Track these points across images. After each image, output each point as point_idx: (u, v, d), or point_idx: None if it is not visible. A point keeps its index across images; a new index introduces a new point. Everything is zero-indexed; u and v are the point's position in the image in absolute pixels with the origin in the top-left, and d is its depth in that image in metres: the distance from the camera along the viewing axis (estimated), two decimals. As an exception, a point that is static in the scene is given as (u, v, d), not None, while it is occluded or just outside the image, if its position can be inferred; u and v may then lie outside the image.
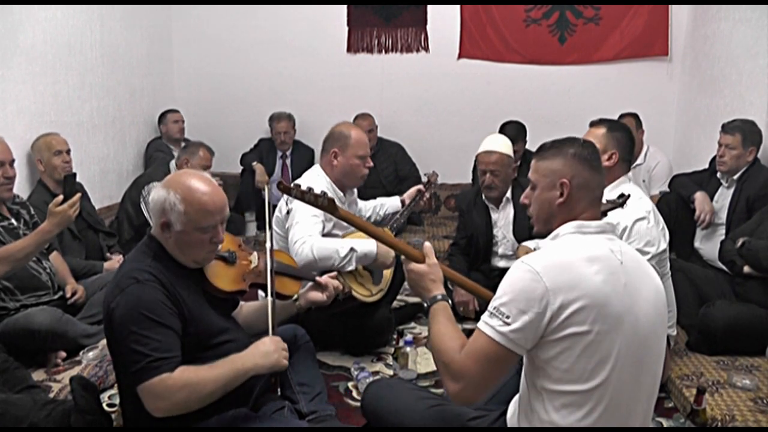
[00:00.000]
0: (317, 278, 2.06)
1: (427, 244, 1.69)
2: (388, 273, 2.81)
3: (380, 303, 2.72)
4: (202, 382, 1.51)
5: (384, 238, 1.85)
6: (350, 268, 2.52)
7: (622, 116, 3.98)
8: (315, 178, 2.71)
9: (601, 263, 1.33)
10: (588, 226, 1.41)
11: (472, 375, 1.32)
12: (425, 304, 1.58)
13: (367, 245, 2.53)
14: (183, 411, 1.51)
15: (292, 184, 1.86)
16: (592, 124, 2.42)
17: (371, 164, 2.80)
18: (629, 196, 2.09)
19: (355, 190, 2.97)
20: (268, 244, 1.91)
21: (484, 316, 1.34)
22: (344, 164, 2.72)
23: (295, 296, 2.03)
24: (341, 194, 2.76)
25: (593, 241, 1.39)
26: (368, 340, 2.77)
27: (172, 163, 3.72)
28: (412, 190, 3.11)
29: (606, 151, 2.27)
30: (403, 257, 1.68)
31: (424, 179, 3.23)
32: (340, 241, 2.53)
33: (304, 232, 2.48)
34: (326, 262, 2.46)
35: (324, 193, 1.83)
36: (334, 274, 2.17)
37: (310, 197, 1.83)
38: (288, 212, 2.61)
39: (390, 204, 3.12)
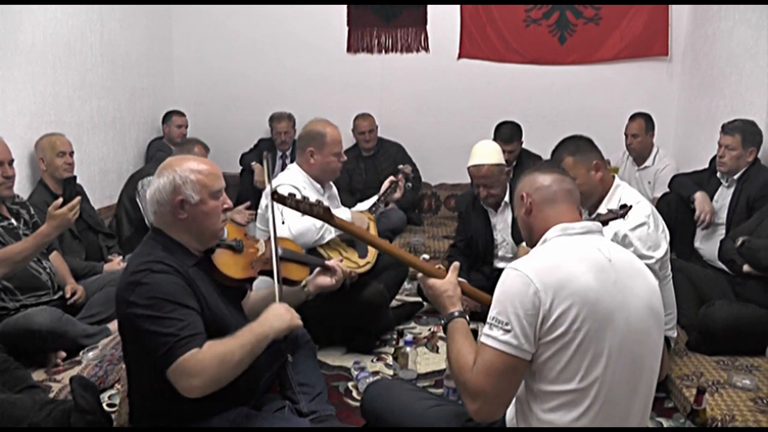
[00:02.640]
0: (327, 262, 2.09)
1: (455, 263, 1.70)
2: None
3: (371, 278, 2.73)
4: (230, 351, 1.51)
5: (397, 252, 1.87)
6: (329, 237, 2.60)
7: (634, 116, 4.01)
8: (292, 176, 2.76)
9: (589, 261, 1.35)
10: (573, 227, 1.45)
11: (487, 390, 1.32)
12: (442, 321, 1.58)
13: (340, 214, 2.59)
14: (217, 386, 1.49)
15: (287, 194, 1.86)
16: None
17: (345, 158, 2.90)
18: (631, 207, 2.08)
19: (333, 187, 3.03)
20: (272, 231, 1.91)
21: (485, 329, 1.35)
22: (321, 162, 2.81)
23: (304, 282, 2.05)
24: (319, 186, 2.84)
25: (580, 241, 1.42)
26: (362, 316, 2.73)
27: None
28: (387, 182, 3.15)
29: (588, 171, 2.27)
30: (419, 274, 1.69)
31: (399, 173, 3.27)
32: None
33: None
34: (306, 237, 2.55)
35: (319, 202, 1.84)
36: (334, 261, 2.18)
37: (305, 206, 1.84)
38: (267, 205, 2.67)
39: (363, 204, 3.15)
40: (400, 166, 3.28)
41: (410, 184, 3.36)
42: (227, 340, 1.54)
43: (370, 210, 3.00)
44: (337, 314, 2.72)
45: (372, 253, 2.80)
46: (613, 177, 2.39)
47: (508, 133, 4.03)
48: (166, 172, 1.65)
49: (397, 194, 3.15)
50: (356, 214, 2.84)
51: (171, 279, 1.54)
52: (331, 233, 2.62)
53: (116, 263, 3.13)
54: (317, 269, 2.11)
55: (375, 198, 3.11)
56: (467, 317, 1.56)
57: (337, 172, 2.90)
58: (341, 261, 2.23)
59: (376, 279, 2.83)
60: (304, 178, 2.79)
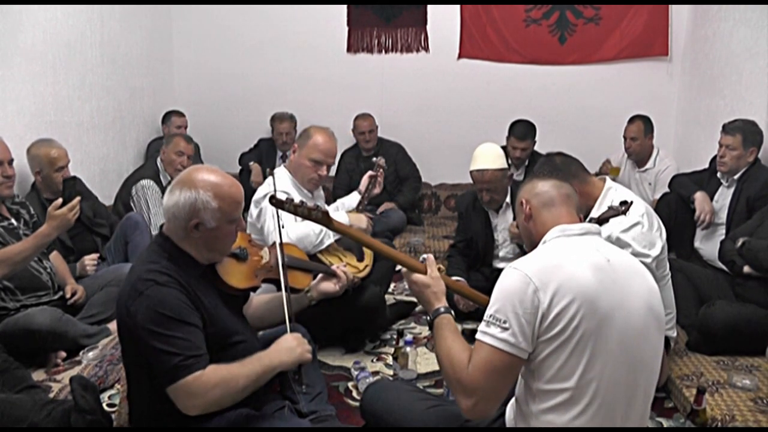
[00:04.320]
0: (332, 268, 2.09)
1: (429, 257, 1.69)
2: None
3: (368, 282, 2.74)
4: (235, 378, 1.52)
5: (383, 248, 1.86)
6: (328, 242, 2.58)
7: (632, 118, 4.00)
8: (280, 181, 2.69)
9: (587, 261, 1.36)
10: (571, 229, 1.47)
11: (483, 388, 1.32)
12: (428, 317, 1.58)
13: (338, 217, 2.56)
14: (216, 408, 1.51)
15: (285, 198, 1.86)
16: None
17: (324, 174, 2.77)
18: (632, 203, 2.08)
19: (322, 194, 3.00)
20: (277, 239, 1.90)
21: (482, 327, 1.35)
22: (297, 161, 2.77)
23: (307, 288, 2.05)
24: (306, 192, 2.80)
25: (578, 242, 1.44)
26: (361, 320, 2.73)
27: (158, 159, 3.73)
28: (365, 179, 3.12)
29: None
30: (403, 269, 1.69)
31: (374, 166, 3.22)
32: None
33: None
34: (305, 242, 2.54)
35: (317, 207, 1.83)
36: (338, 267, 2.17)
37: (303, 210, 1.82)
38: (259, 212, 2.69)
39: (348, 201, 3.14)
40: (375, 159, 3.23)
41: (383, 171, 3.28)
42: (233, 367, 1.54)
43: (357, 210, 2.99)
44: (337, 318, 2.72)
45: (368, 255, 2.80)
46: (604, 180, 2.39)
47: (522, 130, 4.06)
48: (187, 188, 1.60)
49: (377, 189, 3.13)
50: (353, 215, 2.85)
51: (174, 294, 1.54)
52: (330, 238, 2.61)
53: (88, 262, 2.96)
54: (320, 275, 2.10)
55: (357, 196, 3.10)
56: (452, 312, 1.57)
57: (309, 182, 2.77)
58: (344, 266, 2.22)
59: (369, 274, 2.83)
60: (290, 181, 2.76)
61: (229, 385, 1.51)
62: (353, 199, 3.13)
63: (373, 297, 2.76)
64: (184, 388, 1.47)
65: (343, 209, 3.10)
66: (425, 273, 1.64)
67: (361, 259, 2.77)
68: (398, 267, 3.31)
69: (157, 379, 1.50)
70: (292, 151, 2.81)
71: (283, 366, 1.63)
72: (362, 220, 2.82)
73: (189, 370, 1.47)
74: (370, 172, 3.13)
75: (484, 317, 1.36)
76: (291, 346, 1.66)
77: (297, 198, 1.96)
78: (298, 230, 2.55)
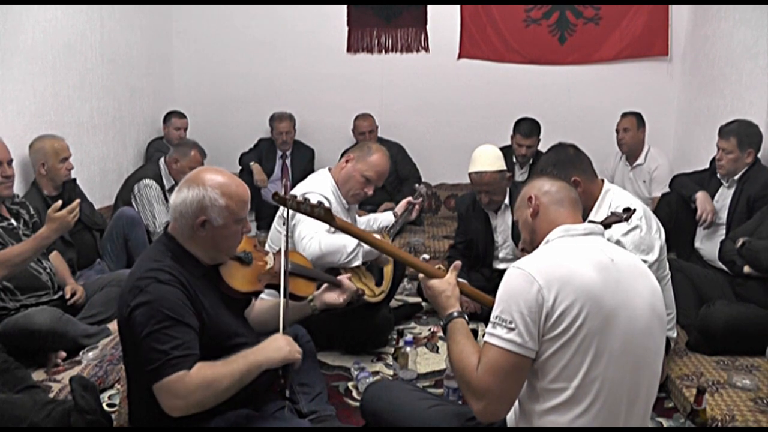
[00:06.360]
0: (336, 278, 2.06)
1: (456, 262, 1.69)
2: (388, 273, 2.82)
3: (381, 303, 2.74)
4: (218, 379, 1.51)
5: (396, 252, 1.85)
6: (357, 262, 2.53)
7: (624, 115, 4.03)
8: (320, 183, 2.69)
9: (591, 261, 1.36)
10: (575, 229, 1.47)
11: (493, 390, 1.32)
12: (441, 323, 1.58)
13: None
14: (199, 409, 1.50)
15: (288, 195, 1.85)
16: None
17: (370, 193, 2.76)
18: (635, 210, 2.07)
19: (355, 211, 2.97)
20: (282, 245, 1.90)
21: (488, 328, 1.35)
22: (349, 171, 2.70)
23: (310, 297, 2.03)
24: (344, 203, 2.75)
25: (582, 241, 1.44)
26: (368, 340, 2.77)
27: (161, 161, 3.72)
28: (403, 203, 3.09)
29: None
30: (420, 275, 1.69)
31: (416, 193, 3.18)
32: (347, 237, 2.49)
33: (311, 229, 2.48)
34: (333, 257, 2.48)
35: (320, 203, 1.82)
36: (343, 278, 2.16)
37: (306, 207, 1.82)
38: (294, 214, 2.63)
39: (383, 218, 3.11)
40: (417, 186, 3.17)
41: (426, 200, 3.22)
42: (218, 365, 1.53)
43: (388, 231, 2.96)
44: (343, 332, 2.73)
45: (387, 281, 2.78)
46: (603, 181, 2.39)
47: (527, 128, 4.09)
48: (195, 186, 1.62)
49: (413, 216, 3.09)
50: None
51: (174, 292, 1.54)
52: (358, 260, 2.54)
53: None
54: (325, 285, 2.08)
55: (391, 217, 3.06)
56: (466, 317, 1.56)
57: (354, 196, 2.75)
58: (361, 293, 2.18)
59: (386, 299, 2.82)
60: (333, 188, 2.70)
61: (212, 387, 1.49)
62: (387, 217, 3.10)
63: (383, 320, 2.76)
64: (166, 387, 1.46)
65: (376, 224, 3.07)
66: (440, 278, 1.64)
67: (379, 283, 2.73)
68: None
69: (145, 376, 1.49)
70: (347, 159, 2.73)
71: (269, 363, 1.60)
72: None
73: (174, 368, 1.46)
74: (409, 198, 3.09)
75: (490, 318, 1.36)
76: (279, 345, 1.64)
77: (334, 206, 1.90)
78: (329, 242, 2.47)
